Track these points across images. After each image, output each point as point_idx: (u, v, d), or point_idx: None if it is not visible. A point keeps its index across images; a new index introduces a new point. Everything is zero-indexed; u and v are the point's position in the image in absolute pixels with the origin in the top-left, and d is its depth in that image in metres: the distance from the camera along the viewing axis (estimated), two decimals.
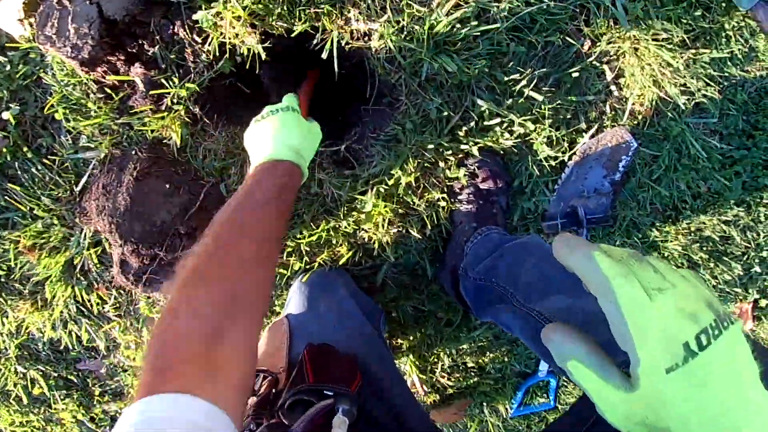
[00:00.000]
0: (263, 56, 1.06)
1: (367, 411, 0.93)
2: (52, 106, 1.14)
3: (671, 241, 1.36)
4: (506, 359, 1.57)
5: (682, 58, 1.08)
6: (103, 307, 1.42)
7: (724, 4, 1.04)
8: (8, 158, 1.22)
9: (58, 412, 1.57)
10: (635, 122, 1.21)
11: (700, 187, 1.30)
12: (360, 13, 1.06)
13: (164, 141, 1.18)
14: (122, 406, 1.61)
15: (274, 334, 1.21)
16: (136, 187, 1.13)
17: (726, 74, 1.12)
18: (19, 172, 1.24)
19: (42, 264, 1.30)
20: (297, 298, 1.26)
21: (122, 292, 1.41)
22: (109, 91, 1.12)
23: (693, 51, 1.08)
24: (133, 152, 1.16)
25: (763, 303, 1.55)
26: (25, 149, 1.22)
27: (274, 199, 0.84)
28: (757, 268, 1.41)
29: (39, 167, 1.23)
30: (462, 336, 1.51)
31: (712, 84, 1.12)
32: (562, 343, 0.49)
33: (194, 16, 1.03)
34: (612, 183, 1.30)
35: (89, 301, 1.40)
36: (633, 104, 1.18)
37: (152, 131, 1.17)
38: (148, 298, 1.41)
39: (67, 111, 1.14)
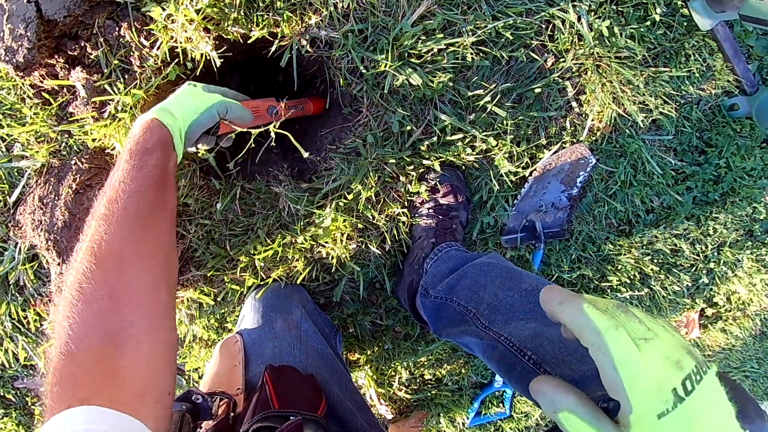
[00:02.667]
0: (217, 62, 1.00)
1: None
2: None
3: (624, 254, 1.38)
4: (463, 371, 1.57)
5: (642, 76, 1.09)
6: (41, 324, 1.32)
7: (685, 24, 1.05)
8: None
9: None
10: (594, 138, 1.22)
11: (653, 202, 1.33)
12: (321, 20, 1.02)
13: (107, 150, 1.10)
14: None
15: (227, 352, 1.15)
16: (75, 200, 1.05)
17: (683, 92, 1.14)
18: None
19: None
20: (251, 316, 1.20)
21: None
22: (46, 96, 1.03)
23: (653, 69, 1.09)
24: (73, 162, 1.08)
25: (709, 312, 1.61)
26: None
27: (135, 174, 0.74)
28: (705, 279, 1.46)
29: None
30: (420, 349, 1.49)
31: (670, 102, 1.14)
32: (553, 395, 0.50)
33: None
34: (569, 198, 1.31)
35: (26, 317, 1.29)
36: (592, 121, 1.19)
37: (94, 140, 1.08)
38: None
39: (0, 116, 1.04)
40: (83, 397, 0.54)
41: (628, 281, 1.41)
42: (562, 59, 1.12)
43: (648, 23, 1.05)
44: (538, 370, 0.82)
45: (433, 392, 1.60)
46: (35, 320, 1.31)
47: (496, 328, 0.93)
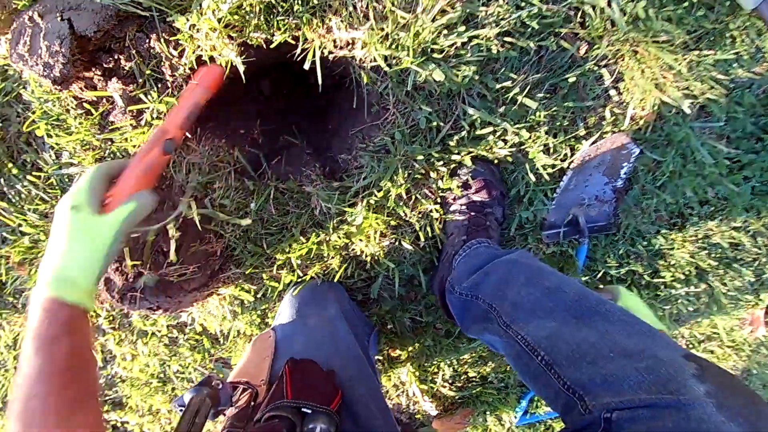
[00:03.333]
0: (241, 68, 1.02)
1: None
2: (33, 122, 1.12)
3: (678, 249, 1.30)
4: (508, 369, 1.53)
5: (684, 60, 1.02)
6: (97, 320, 1.42)
7: (728, 4, 0.97)
8: None
9: None
10: (637, 127, 1.15)
11: (707, 193, 1.23)
12: (342, 21, 1.02)
13: None
14: (122, 415, 1.61)
15: (260, 346, 1.19)
16: None
17: (732, 76, 1.05)
18: (5, 189, 1.22)
19: (33, 279, 1.30)
20: (287, 312, 1.23)
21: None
22: (88, 106, 1.09)
23: (696, 53, 1.02)
24: None
25: None
26: (10, 165, 1.21)
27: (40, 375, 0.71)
28: None
29: (25, 183, 1.21)
30: (462, 346, 1.47)
31: (718, 86, 1.05)
32: None
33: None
34: (614, 190, 1.24)
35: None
36: (634, 109, 1.12)
37: (134, 147, 1.14)
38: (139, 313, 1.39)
39: (49, 127, 1.12)
40: None
41: (683, 277, 1.33)
42: (596, 46, 1.06)
43: (686, 5, 0.98)
44: (548, 371, 0.80)
45: (478, 390, 1.57)
46: (92, 316, 1.40)
47: (516, 327, 0.91)
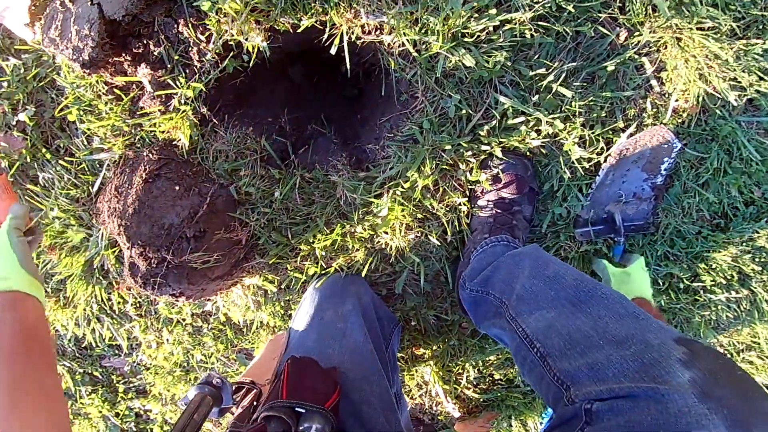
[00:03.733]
0: (268, 53, 1.01)
1: (344, 430, 0.89)
2: (66, 107, 1.13)
3: (720, 252, 1.22)
4: None
5: (731, 49, 0.96)
6: (124, 306, 1.43)
7: None
8: (28, 159, 1.23)
9: (84, 407, 1.60)
10: (679, 120, 1.09)
11: (753, 193, 1.16)
12: (370, 4, 1.00)
13: (174, 142, 1.16)
14: (145, 403, 1.62)
15: (272, 347, 1.18)
16: (144, 189, 1.11)
17: None
18: (38, 173, 1.24)
19: (63, 263, 1.31)
20: (306, 305, 1.22)
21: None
22: (118, 92, 1.10)
23: (743, 41, 0.95)
24: (145, 153, 1.14)
25: None
26: (43, 150, 1.23)
27: None
28: None
29: (57, 168, 1.23)
30: (488, 347, 1.42)
31: (767, 78, 0.99)
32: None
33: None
34: (653, 187, 1.18)
35: (110, 299, 1.40)
36: (677, 101, 1.06)
37: (162, 132, 1.15)
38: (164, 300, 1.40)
39: (81, 112, 1.13)
40: None
41: (724, 281, 1.25)
42: (637, 33, 1.01)
43: None
44: (542, 363, 0.81)
45: (503, 393, 1.52)
46: (119, 302, 1.41)
47: (520, 319, 0.92)
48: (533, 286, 0.94)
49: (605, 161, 1.13)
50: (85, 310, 1.40)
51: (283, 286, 1.32)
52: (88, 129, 1.16)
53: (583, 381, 0.71)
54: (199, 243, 1.14)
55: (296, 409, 0.84)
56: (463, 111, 1.08)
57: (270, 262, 1.25)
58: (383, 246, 1.23)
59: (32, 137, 1.20)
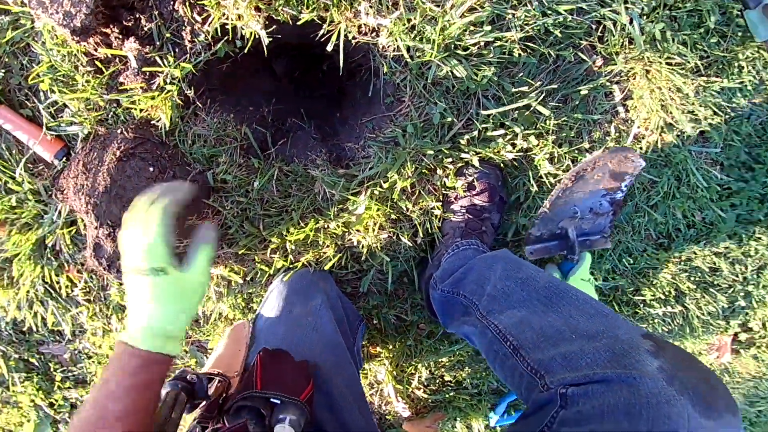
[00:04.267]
0: (265, 41, 1.01)
1: (318, 422, 0.90)
2: (38, 75, 1.07)
3: (661, 269, 1.34)
4: (484, 374, 1.54)
5: (693, 84, 1.07)
6: (72, 290, 1.36)
7: (740, 34, 1.02)
8: None
9: (15, 395, 1.49)
10: (639, 146, 1.19)
11: (695, 216, 1.29)
12: (371, 6, 1.02)
13: (153, 122, 1.13)
14: (83, 393, 1.53)
15: (235, 337, 1.17)
16: (118, 168, 1.07)
17: (734, 104, 1.11)
18: None
19: (12, 240, 1.23)
20: (274, 297, 1.22)
21: (94, 275, 1.34)
22: (99, 65, 1.05)
23: (704, 78, 1.07)
24: (119, 131, 1.10)
25: (742, 337, 1.55)
26: None
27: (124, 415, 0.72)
28: (742, 302, 1.41)
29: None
30: (442, 349, 1.47)
31: (720, 113, 1.11)
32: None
33: None
34: (612, 202, 1.26)
35: (58, 282, 1.33)
36: (638, 128, 1.16)
37: (141, 111, 1.11)
38: (121, 284, 1.34)
39: (53, 82, 1.08)
40: None
41: (663, 297, 1.37)
42: (611, 62, 1.10)
43: (702, 30, 1.03)
44: (515, 355, 0.85)
45: (452, 394, 1.57)
46: (67, 286, 1.34)
47: (491, 317, 0.96)
48: (505, 287, 0.99)
49: (560, 181, 1.21)
50: (29, 292, 1.32)
51: (248, 278, 1.30)
52: (59, 100, 1.10)
53: (557, 369, 0.75)
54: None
55: (271, 400, 0.84)
56: (448, 119, 1.12)
57: (239, 253, 1.24)
58: (354, 244, 1.25)
59: (3, 100, 1.12)
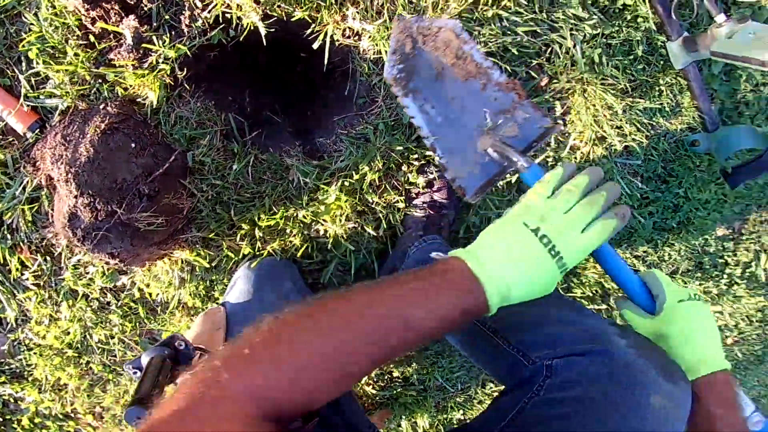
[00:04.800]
0: (263, 31, 1.10)
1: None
2: (28, 44, 1.08)
3: (589, 269, 1.52)
4: (430, 369, 1.63)
5: (621, 103, 1.27)
6: (23, 274, 1.31)
7: (662, 62, 1.24)
8: None
9: None
10: (573, 155, 1.37)
11: None
12: (358, 12, 1.14)
13: (136, 101, 1.16)
14: (18, 389, 1.45)
15: (209, 319, 1.20)
16: (101, 140, 1.09)
17: (654, 123, 1.32)
18: None
19: None
20: (242, 284, 1.25)
21: (48, 258, 1.31)
22: (92, 39, 1.09)
23: (631, 99, 1.27)
24: (102, 106, 1.13)
25: None
26: None
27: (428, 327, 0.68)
28: None
29: None
30: None
31: (642, 130, 1.31)
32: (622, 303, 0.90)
33: None
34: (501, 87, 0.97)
35: (8, 264, 1.28)
36: (574, 140, 1.35)
37: (125, 89, 1.14)
38: (76, 268, 1.32)
39: (40, 52, 1.09)
40: None
41: (590, 295, 1.55)
42: (555, 80, 1.28)
43: (631, 57, 1.24)
44: (495, 336, 0.95)
45: (399, 390, 1.64)
46: (17, 269, 1.30)
47: None
48: None
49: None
50: None
51: (213, 264, 1.33)
52: (43, 72, 1.11)
53: (541, 347, 0.85)
54: (150, 203, 1.13)
55: None
56: None
57: (209, 236, 1.27)
58: (320, 234, 1.33)
59: None
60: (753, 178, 1.28)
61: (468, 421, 1.70)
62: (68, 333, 1.38)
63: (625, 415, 0.71)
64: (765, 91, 1.30)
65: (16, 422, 1.51)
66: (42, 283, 1.33)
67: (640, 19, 1.19)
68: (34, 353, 1.41)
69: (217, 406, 0.58)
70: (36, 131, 1.16)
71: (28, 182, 1.19)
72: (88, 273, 1.32)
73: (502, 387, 0.99)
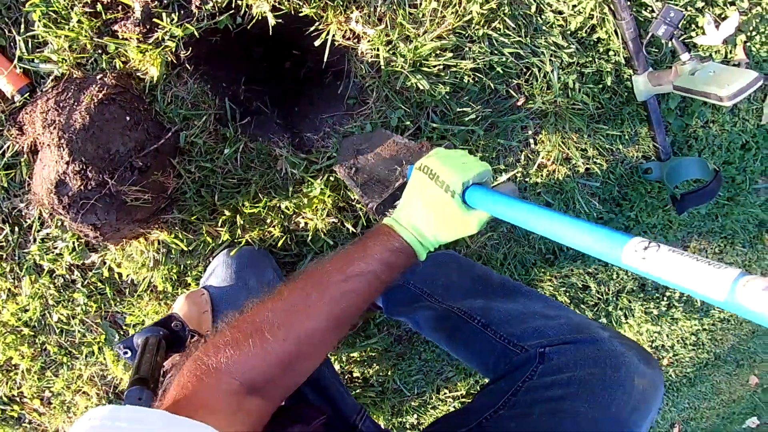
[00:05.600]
0: (272, 22, 1.14)
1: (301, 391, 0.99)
2: (34, 5, 1.07)
3: (546, 282, 1.63)
4: (389, 373, 1.67)
5: (588, 127, 1.40)
6: None
7: (626, 93, 1.39)
8: None
9: None
10: (540, 173, 1.49)
11: None
12: (361, 16, 1.21)
13: (134, 75, 1.17)
14: None
15: (192, 301, 1.20)
16: (97, 109, 1.09)
17: (614, 149, 1.46)
18: None
19: None
20: (222, 271, 1.26)
21: (16, 229, 1.26)
22: (99, 8, 1.09)
23: (597, 124, 1.40)
24: (99, 77, 1.13)
25: None
26: None
27: (367, 277, 0.80)
28: (604, 320, 1.74)
29: None
30: (357, 342, 1.58)
31: (604, 154, 1.45)
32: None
33: None
34: None
35: None
36: (542, 158, 1.46)
37: (124, 62, 1.15)
38: (44, 242, 1.28)
39: (43, 15, 1.08)
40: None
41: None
42: (531, 101, 1.39)
43: (600, 86, 1.37)
44: (485, 330, 1.03)
45: (358, 391, 1.67)
46: None
47: (450, 302, 1.14)
48: (461, 281, 1.18)
49: None
50: None
51: (190, 249, 1.33)
52: (43, 35, 1.10)
53: (531, 338, 0.94)
54: (140, 177, 1.14)
55: None
56: (405, 122, 1.32)
57: (189, 219, 1.28)
58: (299, 227, 1.36)
59: None
60: (697, 205, 1.44)
61: (423, 426, 1.75)
62: (26, 310, 1.33)
63: (612, 394, 0.80)
64: (713, 128, 1.48)
65: None
66: (5, 255, 1.28)
67: (611, 52, 1.33)
68: None
69: (210, 388, 0.67)
70: (25, 95, 1.13)
71: (8, 147, 1.16)
72: (56, 248, 1.28)
73: (486, 380, 1.06)
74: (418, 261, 0.87)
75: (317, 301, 0.76)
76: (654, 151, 1.46)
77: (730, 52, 1.42)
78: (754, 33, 1.43)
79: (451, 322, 1.11)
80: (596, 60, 1.34)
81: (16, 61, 1.11)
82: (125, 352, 0.94)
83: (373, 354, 1.64)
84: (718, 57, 1.38)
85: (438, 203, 0.83)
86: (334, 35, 1.22)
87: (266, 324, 0.72)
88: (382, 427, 1.10)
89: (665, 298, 1.77)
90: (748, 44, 1.43)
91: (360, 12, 1.21)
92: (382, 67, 1.24)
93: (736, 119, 1.53)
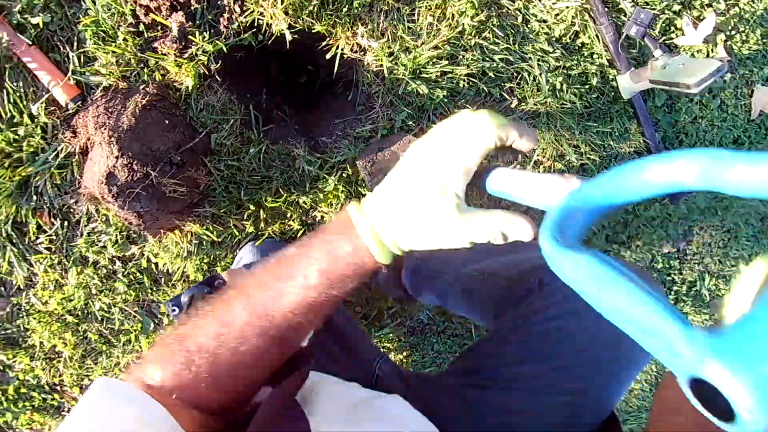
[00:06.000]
0: (289, 37, 1.31)
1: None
2: (86, 25, 1.26)
3: None
4: (403, 364, 1.77)
5: (579, 125, 1.53)
6: (38, 237, 1.42)
7: (613, 93, 1.53)
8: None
9: None
10: (537, 169, 1.62)
11: None
12: (366, 31, 1.38)
13: (171, 86, 1.35)
14: (11, 355, 1.51)
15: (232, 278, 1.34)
16: (141, 114, 1.26)
17: (606, 145, 1.59)
18: (12, 81, 1.30)
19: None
20: (249, 258, 1.41)
21: (65, 224, 1.43)
22: (142, 27, 1.28)
23: (587, 122, 1.54)
24: (142, 86, 1.31)
25: None
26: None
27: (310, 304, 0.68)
28: None
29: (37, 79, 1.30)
30: (371, 333, 1.70)
31: (596, 150, 1.58)
32: None
33: None
34: None
35: (26, 225, 1.39)
36: (538, 156, 1.60)
37: (163, 75, 1.33)
38: (90, 235, 1.44)
39: (93, 34, 1.27)
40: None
41: None
42: (524, 103, 1.54)
43: (587, 87, 1.51)
44: (494, 276, 1.18)
45: None
46: (34, 232, 1.41)
47: (466, 268, 1.26)
48: (469, 265, 1.31)
49: None
50: None
51: (219, 240, 1.48)
52: (93, 51, 1.29)
53: (530, 274, 1.06)
54: (177, 171, 1.30)
55: None
56: (410, 123, 1.48)
57: (218, 213, 1.43)
58: (316, 221, 1.50)
59: (34, 40, 1.27)
60: (688, 194, 1.55)
61: None
62: (71, 300, 1.48)
63: (599, 317, 0.91)
64: (702, 124, 1.61)
65: (1, 392, 1.55)
66: (54, 248, 1.44)
67: (595, 55, 1.47)
68: (34, 318, 1.49)
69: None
70: (77, 103, 1.32)
71: (62, 149, 1.34)
72: (101, 241, 1.44)
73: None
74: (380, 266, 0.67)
75: (246, 324, 0.66)
76: (645, 147, 1.58)
77: (712, 50, 1.56)
78: (733, 32, 1.57)
79: (461, 283, 1.25)
80: (581, 62, 1.49)
81: (69, 74, 1.30)
82: (173, 310, 1.07)
83: (387, 344, 1.74)
84: (701, 56, 1.52)
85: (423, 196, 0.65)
86: (342, 49, 1.40)
87: (194, 347, 0.65)
88: (403, 369, 1.20)
89: (672, 293, 1.85)
90: (729, 43, 1.57)
91: (365, 27, 1.38)
92: (386, 75, 1.41)
93: (725, 114, 1.65)
